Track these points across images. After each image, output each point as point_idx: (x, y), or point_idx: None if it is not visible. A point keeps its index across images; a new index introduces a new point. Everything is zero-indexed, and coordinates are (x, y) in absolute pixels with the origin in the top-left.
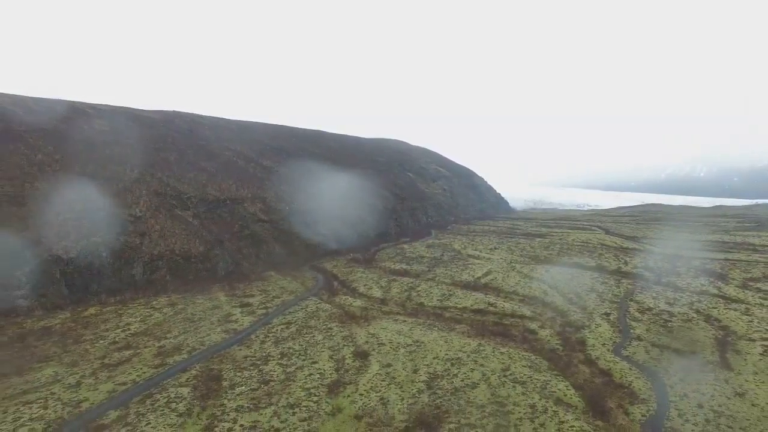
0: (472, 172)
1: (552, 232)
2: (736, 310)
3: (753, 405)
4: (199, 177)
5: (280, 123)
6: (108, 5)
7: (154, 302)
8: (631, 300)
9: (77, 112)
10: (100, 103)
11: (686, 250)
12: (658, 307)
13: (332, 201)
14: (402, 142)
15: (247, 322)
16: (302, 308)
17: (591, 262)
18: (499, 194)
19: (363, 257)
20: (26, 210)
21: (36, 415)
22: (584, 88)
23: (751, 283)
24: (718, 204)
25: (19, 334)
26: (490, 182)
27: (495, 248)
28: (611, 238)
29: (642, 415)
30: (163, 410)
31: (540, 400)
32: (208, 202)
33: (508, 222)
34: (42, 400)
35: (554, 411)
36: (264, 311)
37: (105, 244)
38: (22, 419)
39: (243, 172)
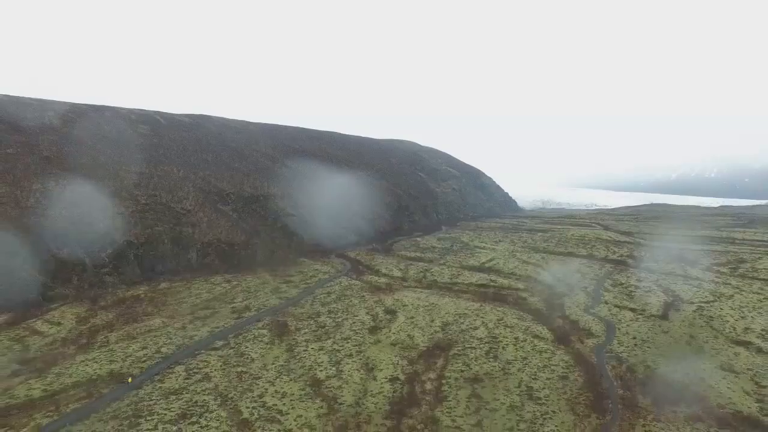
0: (481, 172)
1: (554, 228)
2: (690, 285)
3: (670, 337)
4: (235, 176)
5: (295, 125)
6: (111, 5)
7: (212, 279)
8: (608, 278)
9: (122, 117)
10: (140, 107)
11: (671, 243)
12: (629, 282)
13: (351, 198)
14: (413, 143)
15: (295, 292)
16: (337, 284)
17: (583, 251)
18: (507, 194)
19: (381, 247)
20: (102, 203)
21: (167, 342)
22: (593, 88)
23: (715, 267)
24: (725, 204)
25: (117, 299)
26: (499, 182)
27: (499, 241)
28: (607, 233)
29: (593, 344)
30: (253, 341)
31: (522, 335)
32: (245, 198)
33: (515, 219)
34: (165, 336)
35: (531, 341)
36: (306, 285)
37: (166, 232)
38: (159, 343)
39: (271, 171)
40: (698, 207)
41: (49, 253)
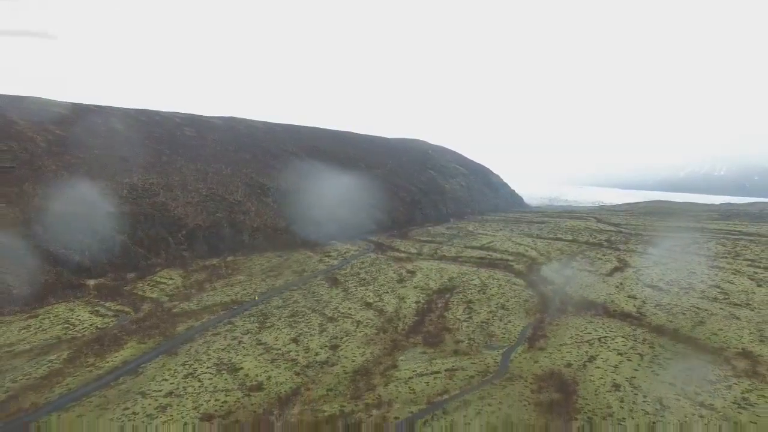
0: (488, 169)
1: (551, 220)
2: (642, 258)
3: (606, 284)
4: (272, 173)
5: (309, 125)
6: (117, 6)
7: (266, 255)
8: (581, 254)
9: (168, 120)
10: (182, 111)
11: (648, 231)
12: (595, 256)
13: (369, 192)
14: (424, 142)
15: (336, 262)
16: (367, 257)
17: (569, 237)
18: (513, 191)
19: (398, 233)
20: (173, 194)
21: (258, 288)
22: (598, 88)
23: (672, 249)
24: (729, 202)
25: (201, 266)
26: (508, 180)
27: (500, 229)
28: (598, 224)
29: (552, 287)
30: (317, 286)
31: (505, 283)
32: (281, 192)
33: (518, 214)
34: (254, 284)
35: (510, 285)
36: (343, 258)
37: (224, 218)
38: (253, 287)
39: (300, 169)
40: (694, 204)
41: (143, 232)
